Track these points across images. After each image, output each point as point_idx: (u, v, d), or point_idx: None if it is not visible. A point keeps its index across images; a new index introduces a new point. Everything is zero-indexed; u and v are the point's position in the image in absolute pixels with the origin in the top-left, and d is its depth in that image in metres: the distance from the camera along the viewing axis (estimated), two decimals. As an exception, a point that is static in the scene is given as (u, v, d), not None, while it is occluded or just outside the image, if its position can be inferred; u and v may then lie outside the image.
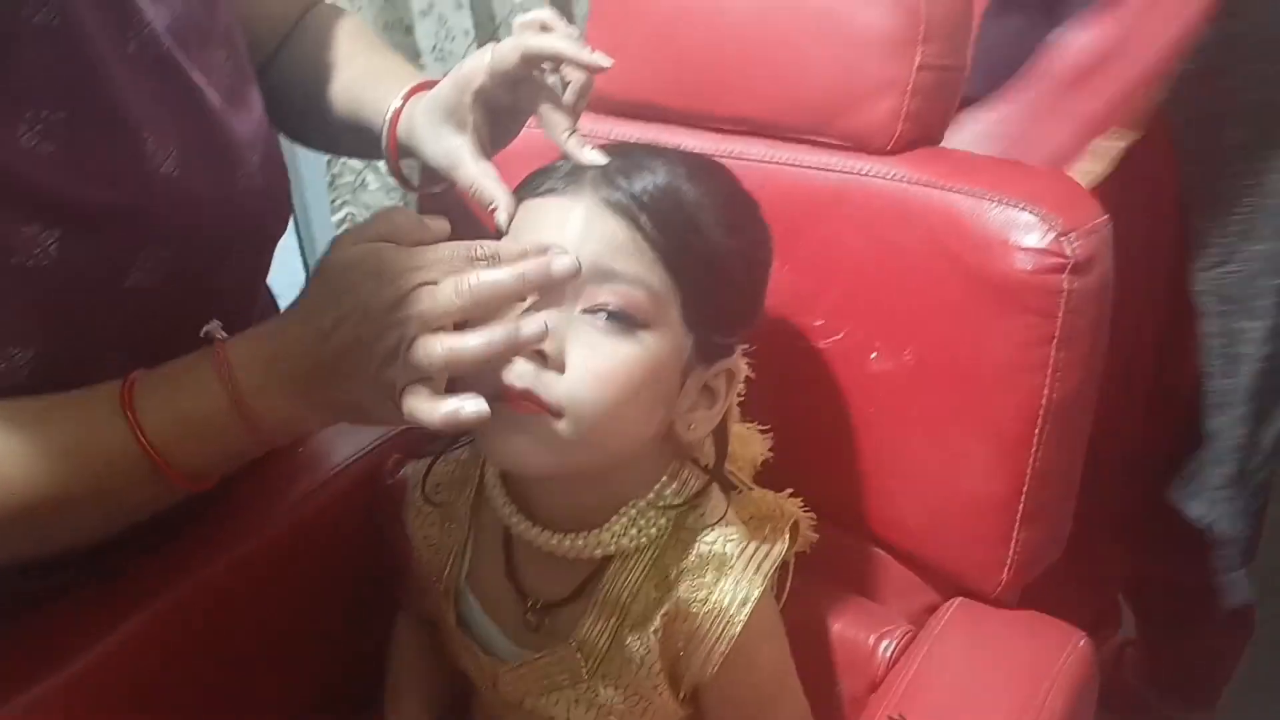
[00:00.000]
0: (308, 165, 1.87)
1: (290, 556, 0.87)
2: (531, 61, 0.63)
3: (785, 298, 0.75)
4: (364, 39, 0.84)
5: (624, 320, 0.58)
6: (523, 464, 0.60)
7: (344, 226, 1.84)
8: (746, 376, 0.68)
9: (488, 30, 1.87)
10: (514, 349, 0.55)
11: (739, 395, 0.68)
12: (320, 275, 0.58)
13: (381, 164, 1.68)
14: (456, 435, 0.74)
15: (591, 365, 0.57)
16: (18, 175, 0.60)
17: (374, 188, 1.81)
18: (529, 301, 0.59)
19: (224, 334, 0.62)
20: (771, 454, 0.74)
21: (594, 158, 0.62)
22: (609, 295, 0.58)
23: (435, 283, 0.55)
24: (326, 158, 1.79)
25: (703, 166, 0.64)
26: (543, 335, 0.55)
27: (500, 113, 0.67)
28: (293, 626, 0.87)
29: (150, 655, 0.76)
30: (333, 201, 1.83)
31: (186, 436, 0.61)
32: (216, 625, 0.81)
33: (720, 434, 0.68)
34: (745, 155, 0.79)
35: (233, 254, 0.74)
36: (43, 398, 0.62)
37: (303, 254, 2.03)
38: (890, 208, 0.73)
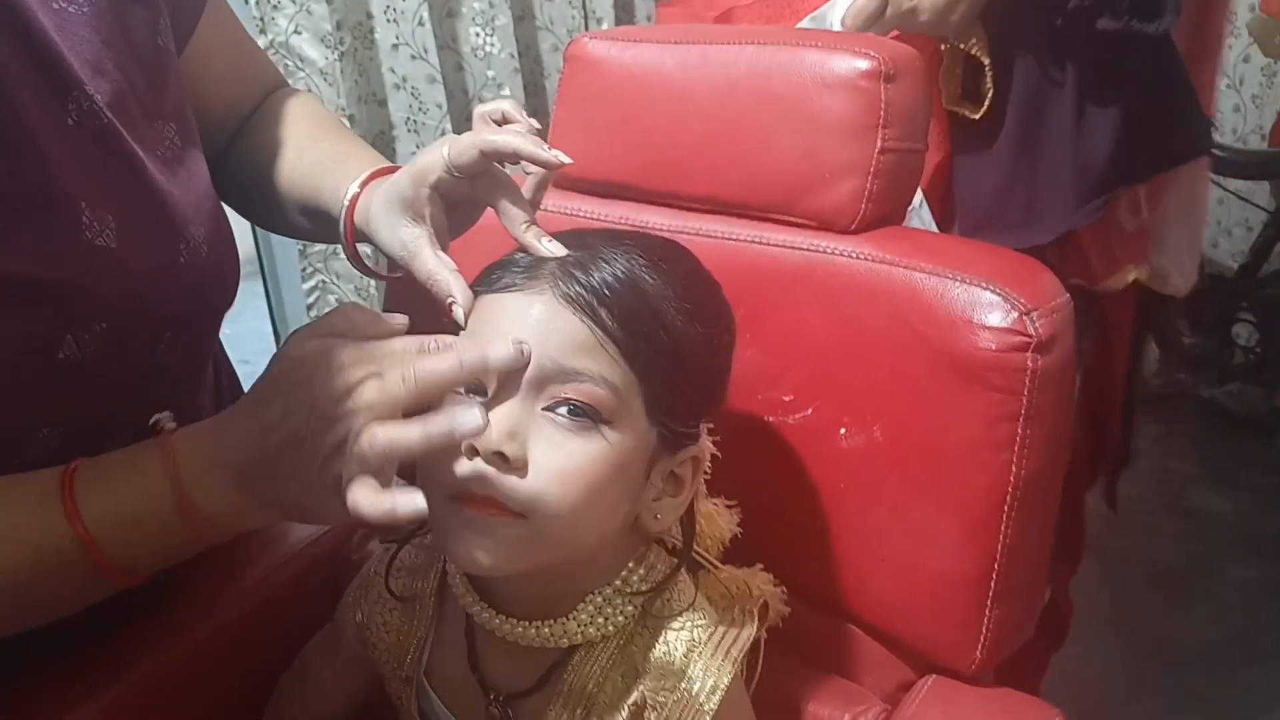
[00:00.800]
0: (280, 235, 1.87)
1: (251, 637, 0.85)
2: (490, 157, 0.63)
3: (752, 374, 0.75)
4: (323, 122, 0.85)
5: (586, 417, 0.58)
6: (484, 567, 0.59)
7: (315, 295, 1.84)
8: (713, 455, 0.68)
9: (460, 103, 1.89)
10: (452, 440, 0.55)
11: (705, 473, 0.68)
12: (272, 368, 0.58)
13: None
14: (415, 527, 0.73)
15: (555, 465, 0.57)
16: None
17: (345, 258, 1.81)
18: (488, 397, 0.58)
19: (173, 425, 0.61)
20: (740, 530, 0.74)
21: (553, 249, 0.62)
22: (570, 392, 0.58)
23: (382, 373, 0.55)
24: (298, 228, 1.79)
25: (662, 253, 0.63)
26: (479, 429, 0.54)
27: (458, 203, 0.67)
28: (252, 710, 0.85)
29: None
30: (304, 270, 1.83)
31: (125, 527, 0.59)
32: (171, 710, 0.79)
33: (687, 517, 0.67)
34: (710, 233, 0.79)
35: (176, 328, 0.73)
36: None
37: (273, 322, 2.03)
38: (855, 285, 0.73)
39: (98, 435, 0.70)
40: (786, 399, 0.76)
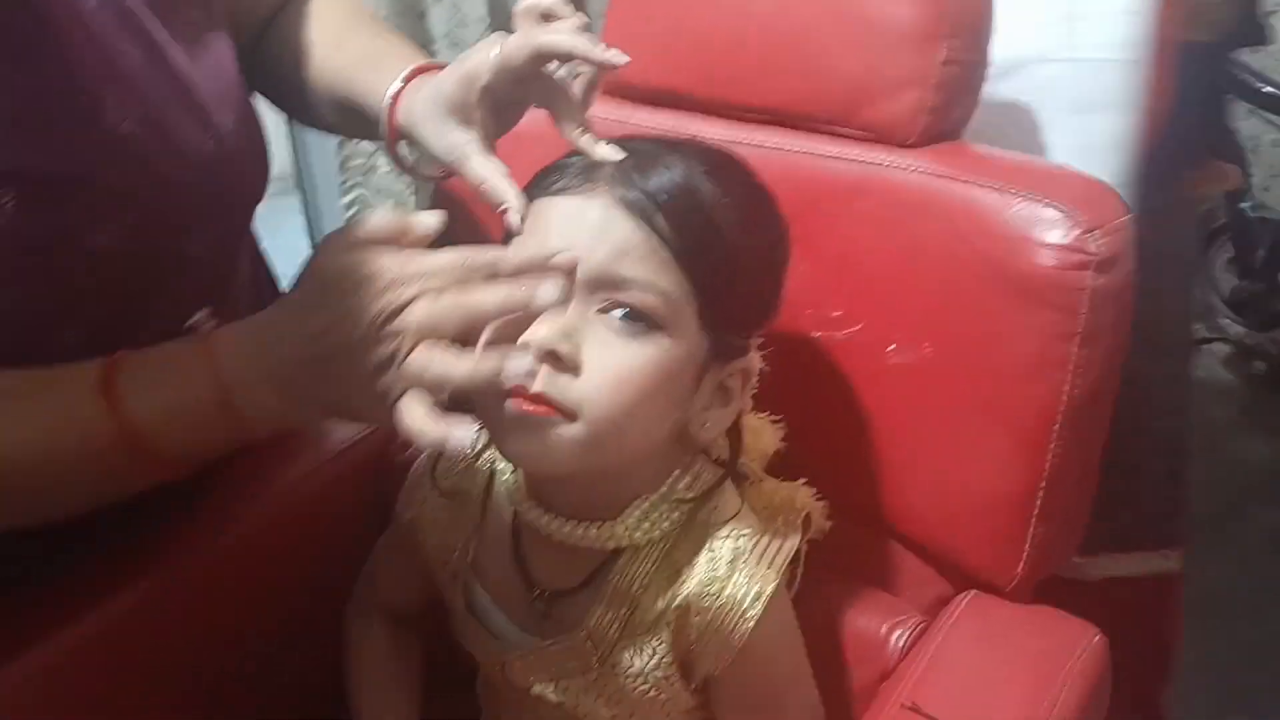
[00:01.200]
0: (318, 148, 1.86)
1: (294, 536, 0.87)
2: (541, 59, 0.62)
3: (803, 289, 0.74)
4: (359, 14, 0.83)
5: (641, 321, 0.58)
6: (535, 465, 0.60)
7: (354, 210, 1.83)
8: (761, 369, 0.68)
9: (502, 16, 1.86)
10: (497, 384, 0.54)
11: (752, 388, 0.68)
12: (311, 275, 0.57)
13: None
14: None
15: (607, 368, 0.57)
16: None
17: (385, 170, 1.81)
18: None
19: (212, 324, 0.61)
20: (784, 445, 0.74)
21: (608, 153, 0.61)
22: (625, 297, 0.57)
23: (431, 293, 0.54)
24: (338, 140, 1.79)
25: (720, 161, 0.63)
26: (528, 376, 0.55)
27: (505, 105, 0.66)
28: (292, 611, 0.87)
29: (137, 637, 0.75)
30: (343, 184, 1.82)
31: (168, 423, 0.59)
32: (210, 605, 0.80)
33: (734, 429, 0.68)
34: (765, 144, 0.78)
35: (204, 220, 0.72)
36: (20, 372, 0.61)
37: (311, 238, 2.03)
38: (911, 201, 0.72)
39: (124, 334, 0.71)
40: (836, 315, 0.76)
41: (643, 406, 0.58)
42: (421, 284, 0.55)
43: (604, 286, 0.58)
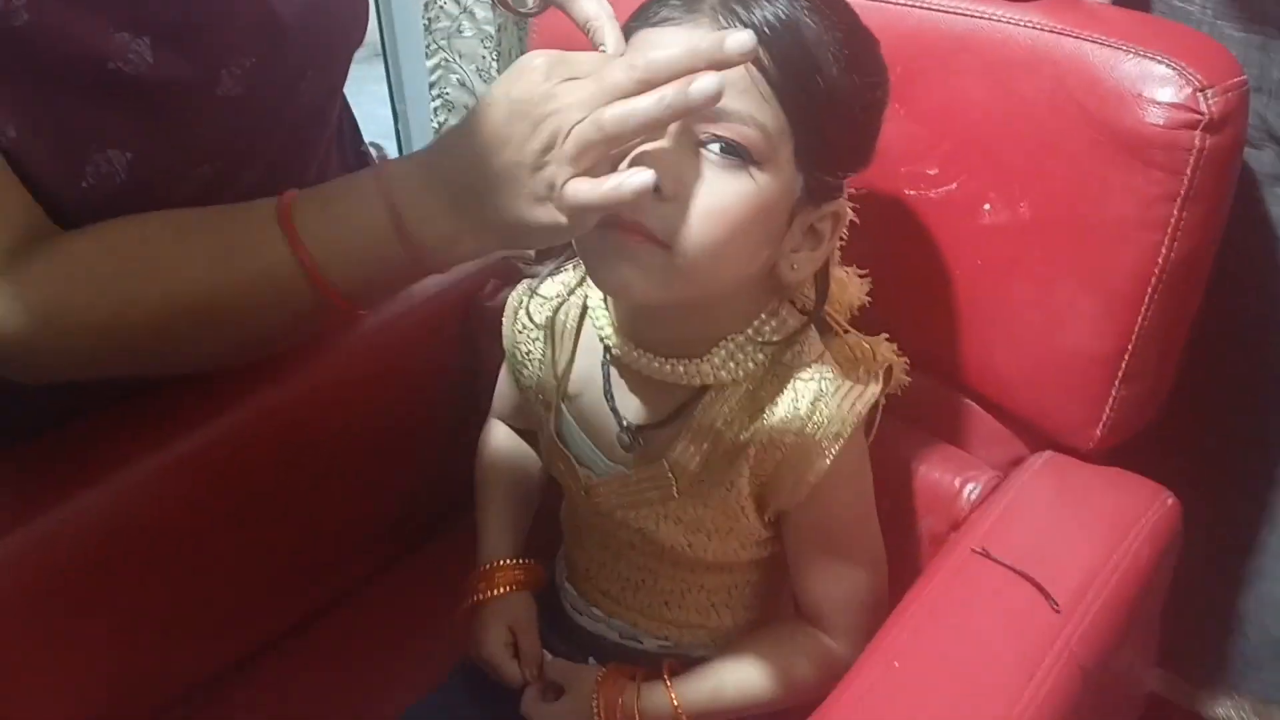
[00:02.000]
0: (401, 12, 1.86)
1: (387, 373, 0.91)
2: None
3: (899, 145, 0.74)
4: None
5: (738, 155, 0.58)
6: (627, 292, 0.62)
7: (437, 74, 1.83)
8: (851, 221, 0.68)
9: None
10: (686, 109, 0.53)
11: (840, 239, 0.69)
12: (482, 102, 0.57)
13: (478, 10, 1.67)
14: (568, 256, 0.76)
15: (702, 200, 0.58)
16: None
17: (469, 34, 1.80)
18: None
19: (384, 153, 0.62)
20: (870, 299, 0.75)
21: None
22: (724, 131, 0.58)
23: (590, 111, 0.54)
24: (423, 3, 1.78)
25: (825, 3, 0.62)
26: (716, 97, 0.52)
27: None
28: (388, 443, 0.91)
29: (239, 456, 0.80)
30: (426, 48, 1.82)
31: (344, 253, 0.61)
32: (309, 435, 0.85)
33: (821, 277, 0.68)
34: (870, -3, 0.77)
35: (315, 66, 0.74)
36: (198, 209, 0.63)
37: (393, 104, 2.04)
38: (1018, 54, 0.71)
39: (246, 168, 0.73)
40: (931, 172, 0.75)
41: (735, 239, 0.59)
42: (574, 70, 0.55)
43: (704, 118, 0.58)
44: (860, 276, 0.75)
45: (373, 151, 0.64)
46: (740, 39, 0.53)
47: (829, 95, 0.60)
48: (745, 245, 0.61)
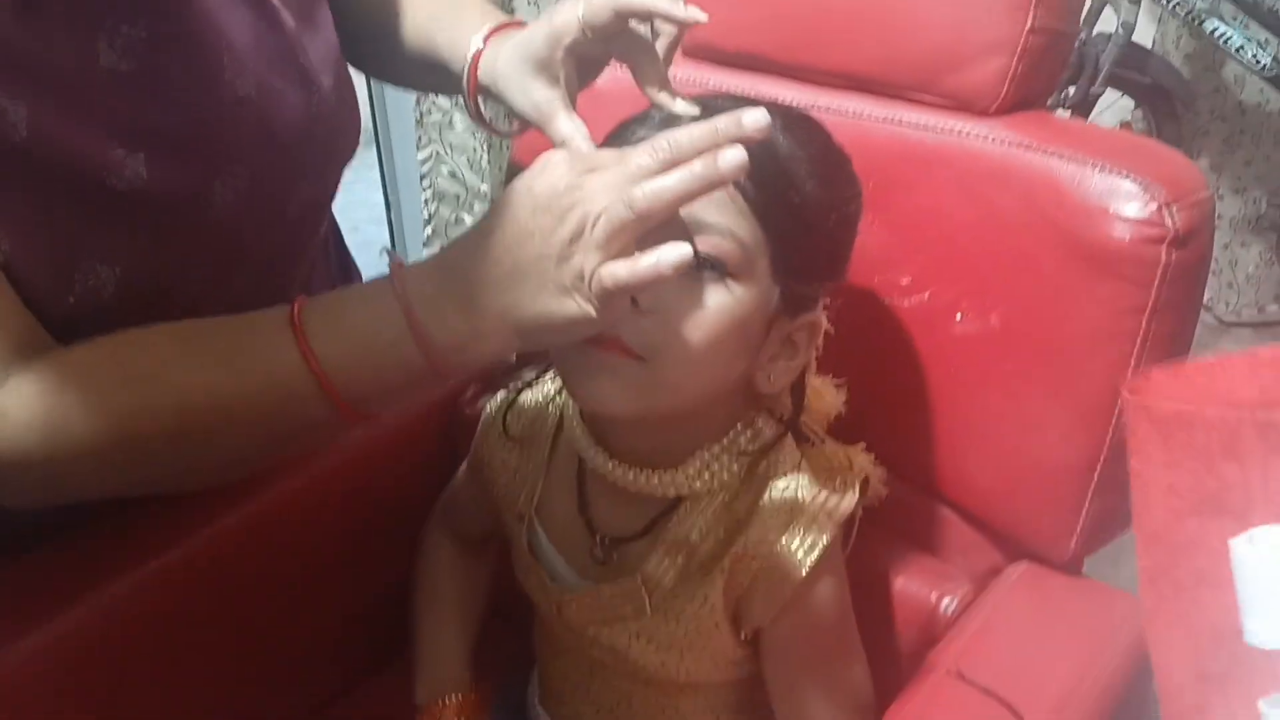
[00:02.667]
0: (395, 104, 1.90)
1: (365, 482, 0.90)
2: (625, 17, 0.63)
3: (873, 254, 0.75)
4: None
5: (714, 269, 0.59)
6: (606, 406, 0.62)
7: (428, 165, 1.87)
8: (826, 330, 0.68)
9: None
10: (719, 180, 0.53)
11: (816, 349, 0.69)
12: (499, 201, 0.57)
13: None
14: (536, 371, 0.76)
15: (680, 313, 0.58)
16: (99, 96, 0.61)
17: (460, 128, 1.83)
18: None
19: (400, 258, 0.60)
20: (845, 407, 0.75)
21: (687, 108, 0.62)
22: (702, 245, 0.58)
23: (615, 197, 0.53)
24: (415, 96, 1.81)
25: (797, 119, 0.64)
26: (744, 168, 0.52)
27: (588, 62, 0.67)
28: (364, 553, 0.90)
29: (211, 569, 0.79)
30: (418, 139, 1.85)
31: (354, 355, 0.58)
32: (281, 546, 0.84)
33: (797, 386, 0.69)
34: (843, 110, 0.78)
35: (307, 175, 0.75)
36: (207, 319, 0.61)
37: (385, 192, 2.07)
38: (989, 169, 0.72)
39: (236, 279, 0.74)
40: (904, 282, 0.76)
41: (713, 351, 0.60)
42: (593, 163, 0.54)
43: (682, 231, 0.58)
44: (836, 386, 0.75)
45: (387, 257, 0.62)
46: (756, 116, 0.53)
47: (804, 210, 0.61)
48: (722, 357, 0.61)
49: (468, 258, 0.56)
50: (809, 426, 0.72)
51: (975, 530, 0.77)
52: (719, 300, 0.59)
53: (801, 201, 0.61)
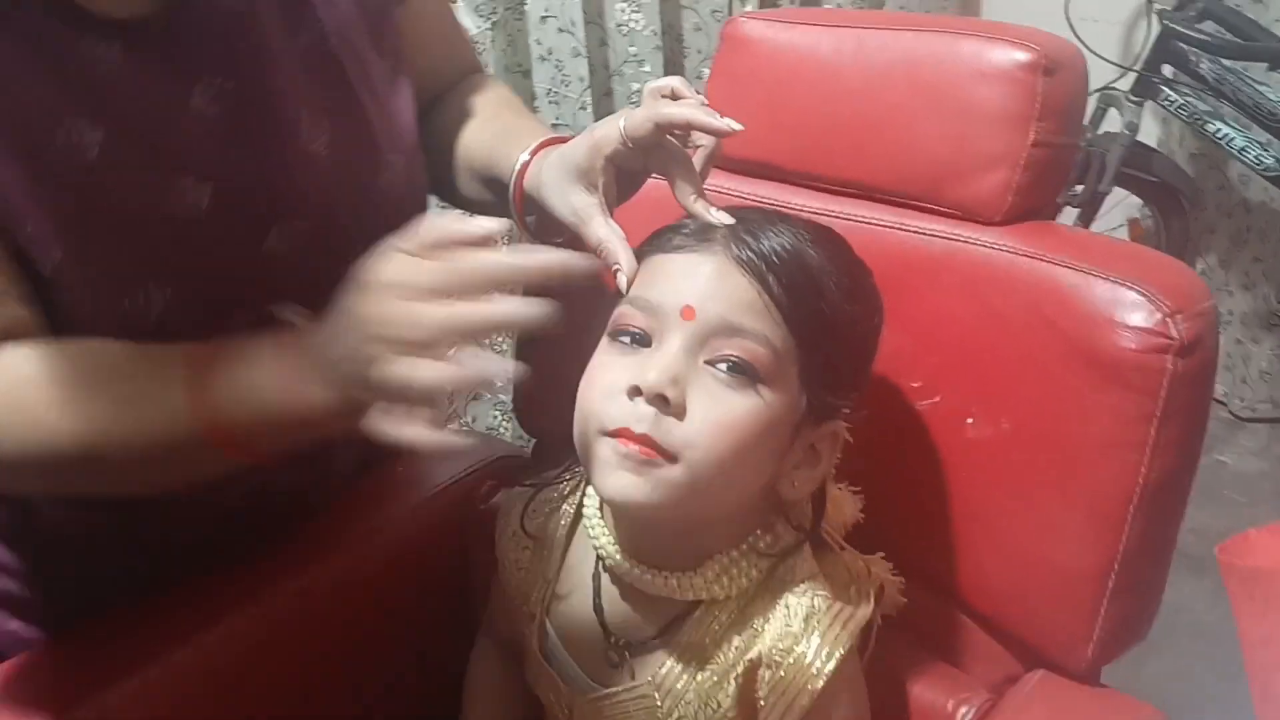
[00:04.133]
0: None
1: (380, 575, 0.90)
2: (664, 129, 0.65)
3: (885, 358, 0.76)
4: (509, 103, 0.89)
5: (746, 374, 0.61)
6: (633, 504, 0.62)
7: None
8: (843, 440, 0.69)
9: (601, 77, 1.93)
10: (461, 387, 0.56)
11: (837, 454, 0.70)
12: (355, 281, 0.61)
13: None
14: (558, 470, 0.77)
15: (711, 416, 0.60)
16: (184, 130, 0.68)
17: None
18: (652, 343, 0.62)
19: (297, 318, 0.65)
20: (863, 515, 0.75)
21: (722, 218, 0.64)
22: (734, 349, 0.61)
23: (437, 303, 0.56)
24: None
25: (823, 233, 0.67)
26: (496, 383, 0.57)
27: (627, 173, 0.69)
28: (376, 645, 0.90)
29: (231, 662, 0.80)
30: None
31: (242, 405, 0.62)
32: (300, 637, 0.84)
33: (818, 493, 0.69)
34: (854, 216, 0.81)
35: (365, 241, 0.77)
36: (125, 348, 0.65)
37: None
38: (995, 276, 0.74)
39: (273, 321, 0.77)
40: (915, 385, 0.77)
41: (741, 455, 0.61)
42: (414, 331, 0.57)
43: (717, 335, 0.61)
44: (854, 493, 0.75)
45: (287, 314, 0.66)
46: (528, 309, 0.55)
47: (832, 320, 0.63)
48: (751, 461, 0.62)
49: (325, 336, 0.61)
50: (828, 533, 0.73)
51: (992, 637, 0.76)
52: (750, 404, 0.61)
53: (831, 313, 0.63)
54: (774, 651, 0.65)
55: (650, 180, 0.70)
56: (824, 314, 0.63)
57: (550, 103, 1.87)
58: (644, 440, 0.59)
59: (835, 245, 0.67)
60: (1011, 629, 0.75)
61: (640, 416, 0.60)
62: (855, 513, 0.75)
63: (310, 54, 0.74)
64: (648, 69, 1.92)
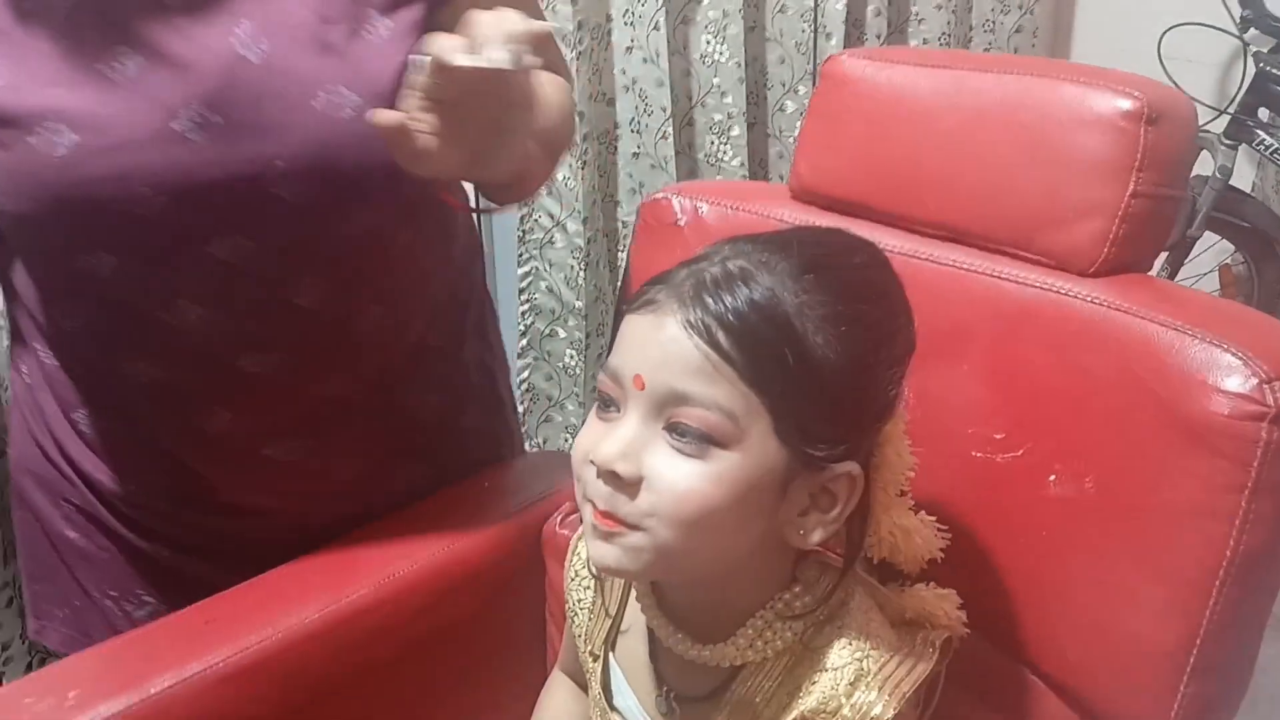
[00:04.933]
0: (500, 221, 1.97)
1: (454, 597, 0.91)
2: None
3: (966, 405, 0.75)
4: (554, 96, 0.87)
5: (701, 440, 0.58)
6: (609, 570, 0.62)
7: (527, 280, 1.92)
8: (911, 467, 0.67)
9: (684, 107, 1.94)
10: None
11: (904, 486, 0.67)
12: None
13: (569, 224, 1.76)
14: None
15: (666, 485, 0.58)
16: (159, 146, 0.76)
17: (560, 245, 1.89)
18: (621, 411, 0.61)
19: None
20: (943, 555, 0.71)
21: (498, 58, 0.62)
22: (685, 417, 0.58)
23: None
24: (519, 214, 1.88)
25: (826, 260, 0.62)
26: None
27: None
28: (449, 670, 0.91)
29: (301, 667, 0.81)
30: (519, 256, 1.91)
31: None
32: (370, 659, 0.85)
33: (855, 532, 0.66)
34: (942, 260, 0.79)
35: (366, 198, 0.81)
36: None
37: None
38: (1086, 330, 0.71)
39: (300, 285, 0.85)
40: (998, 436, 0.75)
41: (711, 520, 0.59)
42: None
43: (668, 404, 0.59)
44: (937, 528, 0.71)
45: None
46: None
47: (809, 371, 0.59)
48: (723, 523, 0.59)
49: None
50: (897, 567, 0.70)
51: (1063, 703, 0.73)
52: (708, 470, 0.58)
53: (807, 364, 0.58)
54: (818, 712, 0.62)
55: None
56: (798, 367, 0.58)
57: (632, 131, 1.89)
58: (607, 513, 0.59)
59: (839, 272, 0.62)
60: (1082, 696, 0.72)
61: (599, 491, 0.59)
62: (933, 548, 0.70)
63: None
64: (730, 100, 1.92)
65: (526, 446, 1.89)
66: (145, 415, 0.87)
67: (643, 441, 0.59)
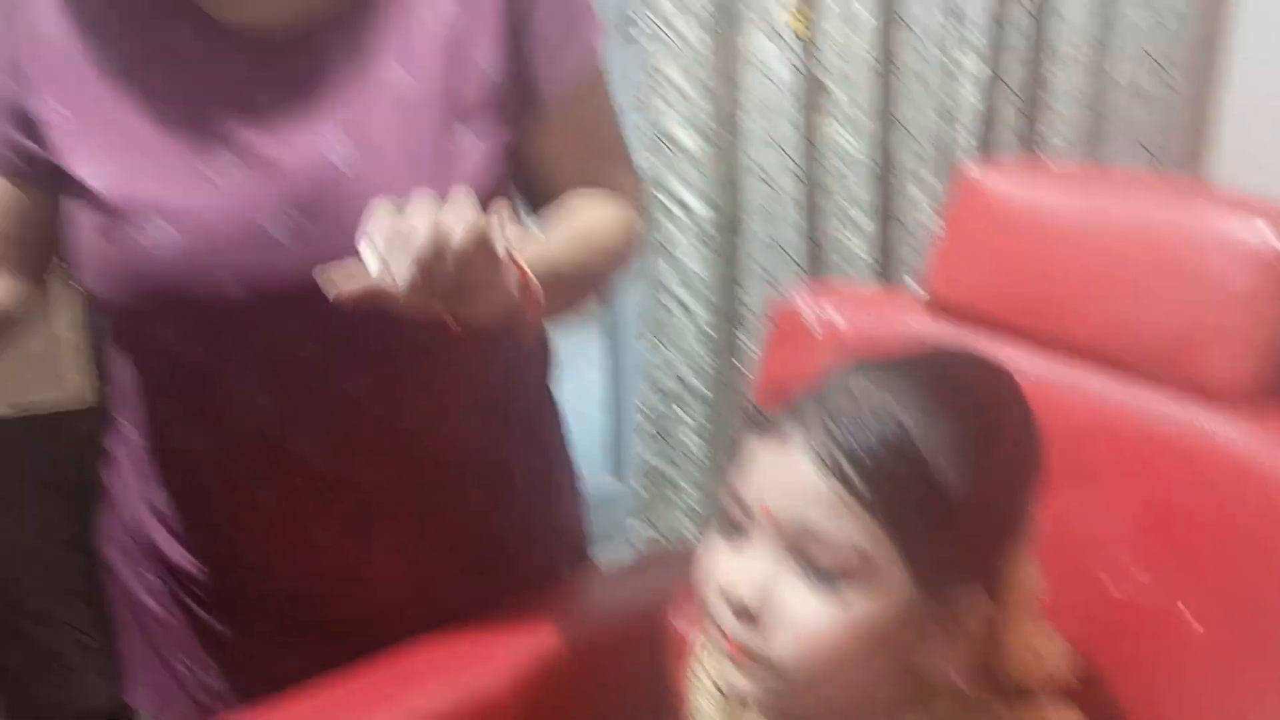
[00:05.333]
0: (624, 301, 2.00)
1: (564, 689, 0.90)
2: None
3: (1103, 541, 0.73)
4: (577, 231, 0.85)
5: (832, 579, 0.58)
6: (739, 694, 0.62)
7: (650, 362, 1.94)
8: (1038, 596, 0.66)
9: (811, 195, 1.95)
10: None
11: (1034, 608, 0.66)
12: None
13: (693, 306, 1.74)
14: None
15: (797, 627, 0.58)
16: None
17: (683, 327, 1.91)
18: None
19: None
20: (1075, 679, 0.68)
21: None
22: (815, 554, 0.58)
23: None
24: (644, 295, 1.91)
25: (956, 386, 0.61)
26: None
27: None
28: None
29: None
30: (640, 336, 1.94)
31: None
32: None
33: (982, 656, 0.64)
34: (1080, 386, 0.78)
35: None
36: None
37: (607, 372, 2.17)
38: (1232, 466, 0.69)
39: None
40: (1143, 580, 0.72)
41: (843, 664, 0.58)
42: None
43: (798, 538, 0.58)
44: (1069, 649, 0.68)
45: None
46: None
47: (941, 505, 0.57)
48: (858, 665, 0.59)
49: None
50: (1027, 685, 0.67)
51: None
52: (839, 613, 0.58)
53: (939, 499, 0.57)
54: None
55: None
56: (929, 501, 0.57)
57: (761, 219, 1.90)
58: (735, 644, 0.60)
59: (969, 401, 0.60)
60: None
61: (730, 623, 0.60)
62: (1061, 668, 0.67)
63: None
64: (857, 189, 1.92)
65: (635, 528, 1.91)
66: (204, 491, 0.90)
67: (773, 576, 0.59)
